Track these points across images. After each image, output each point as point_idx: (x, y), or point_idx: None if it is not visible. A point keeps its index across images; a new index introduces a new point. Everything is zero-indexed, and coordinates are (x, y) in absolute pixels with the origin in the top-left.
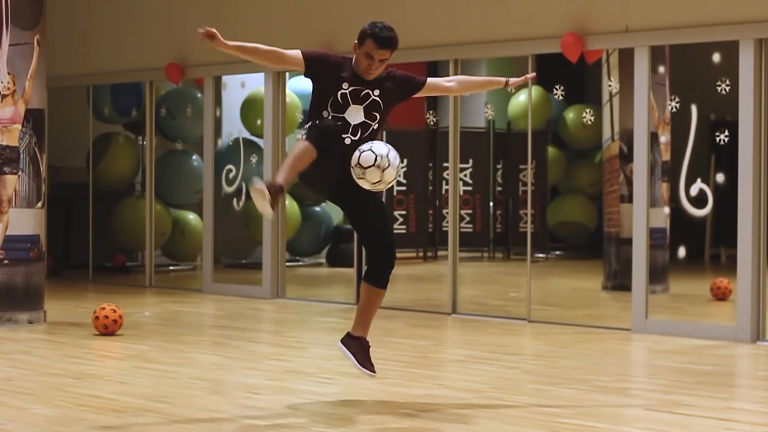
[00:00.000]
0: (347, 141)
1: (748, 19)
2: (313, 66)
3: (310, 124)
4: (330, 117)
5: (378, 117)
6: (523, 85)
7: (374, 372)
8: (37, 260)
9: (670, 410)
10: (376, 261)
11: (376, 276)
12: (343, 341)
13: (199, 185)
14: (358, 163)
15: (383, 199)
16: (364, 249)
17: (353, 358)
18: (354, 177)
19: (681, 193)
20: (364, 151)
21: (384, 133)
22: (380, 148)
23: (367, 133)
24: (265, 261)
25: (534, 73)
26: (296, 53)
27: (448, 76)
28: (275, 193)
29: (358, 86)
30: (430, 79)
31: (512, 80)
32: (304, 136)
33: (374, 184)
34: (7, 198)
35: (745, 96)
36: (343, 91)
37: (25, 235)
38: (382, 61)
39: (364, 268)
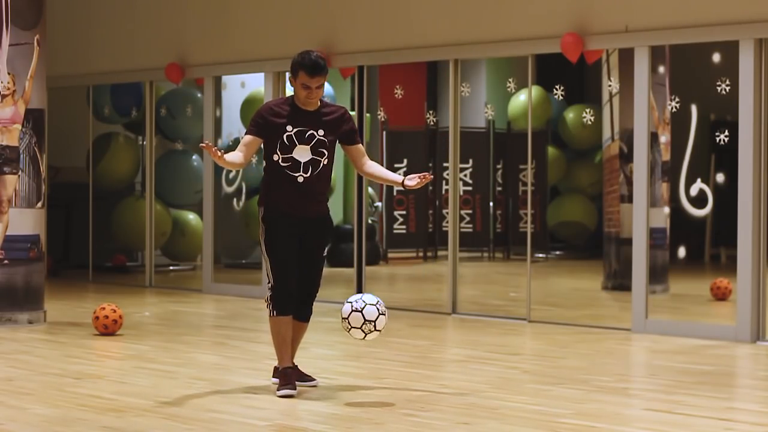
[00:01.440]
0: (300, 179)
1: (748, 19)
2: (263, 131)
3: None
4: (280, 159)
5: (326, 153)
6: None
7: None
8: (37, 260)
9: (670, 410)
10: (302, 298)
11: (302, 312)
12: (275, 376)
13: (199, 185)
14: (347, 319)
15: (325, 254)
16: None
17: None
18: (356, 325)
19: (681, 193)
20: (354, 311)
21: (384, 133)
22: (371, 313)
23: (318, 170)
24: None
25: (431, 176)
26: (249, 139)
27: (447, 76)
28: (291, 374)
29: (302, 127)
30: (360, 146)
31: (408, 183)
32: (270, 307)
33: (358, 336)
34: (7, 198)
35: (745, 96)
36: (288, 133)
37: (25, 235)
38: (319, 87)
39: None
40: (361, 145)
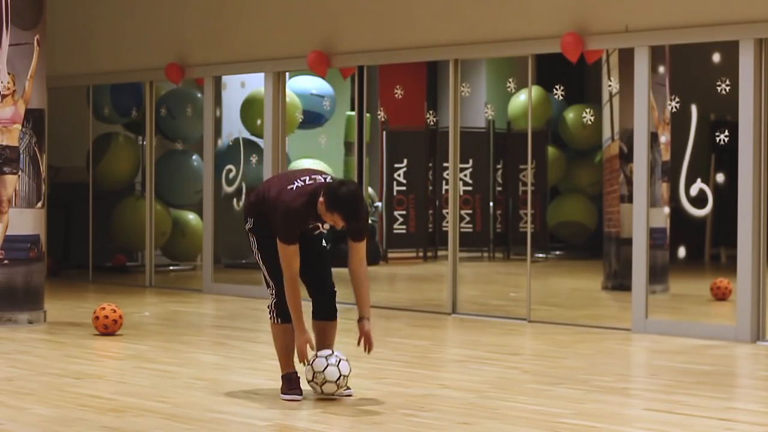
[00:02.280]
0: None
1: (748, 19)
2: (297, 236)
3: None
4: None
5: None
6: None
7: (350, 388)
8: (37, 260)
9: (670, 410)
10: (316, 299)
11: (322, 311)
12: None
13: (199, 185)
14: (323, 372)
15: (325, 244)
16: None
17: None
18: (308, 378)
19: (681, 193)
20: (330, 365)
21: (384, 133)
22: (345, 367)
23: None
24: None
25: (370, 348)
26: (289, 250)
27: (447, 76)
28: (296, 380)
29: (313, 224)
30: (361, 245)
31: (359, 325)
32: (273, 314)
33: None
34: (7, 198)
35: (745, 96)
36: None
37: (25, 235)
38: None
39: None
40: (364, 243)
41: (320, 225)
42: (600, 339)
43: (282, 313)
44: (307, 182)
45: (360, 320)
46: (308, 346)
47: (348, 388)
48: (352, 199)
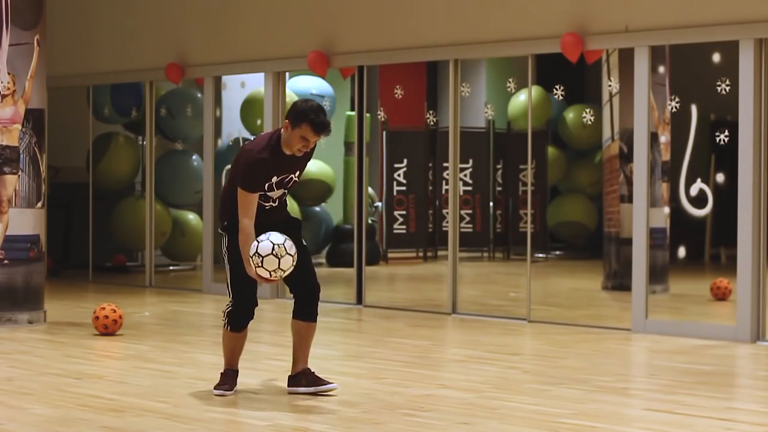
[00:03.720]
0: (267, 207)
1: (748, 19)
2: (259, 186)
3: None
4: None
5: (294, 183)
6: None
7: (333, 382)
8: (37, 260)
9: (670, 410)
10: (301, 299)
11: (304, 312)
12: (290, 385)
13: (199, 185)
14: (257, 252)
15: (304, 243)
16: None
17: (309, 388)
18: (253, 266)
19: (681, 193)
20: (261, 242)
21: (384, 133)
22: (277, 237)
23: (285, 196)
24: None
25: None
26: (248, 197)
27: (447, 76)
28: (232, 376)
29: (284, 174)
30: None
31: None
32: (225, 322)
33: (272, 272)
34: (7, 198)
35: (745, 96)
36: (270, 183)
37: (25, 235)
38: (315, 143)
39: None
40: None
41: (293, 173)
42: (600, 339)
43: (233, 322)
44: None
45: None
46: (257, 276)
47: (286, 256)
48: (315, 107)
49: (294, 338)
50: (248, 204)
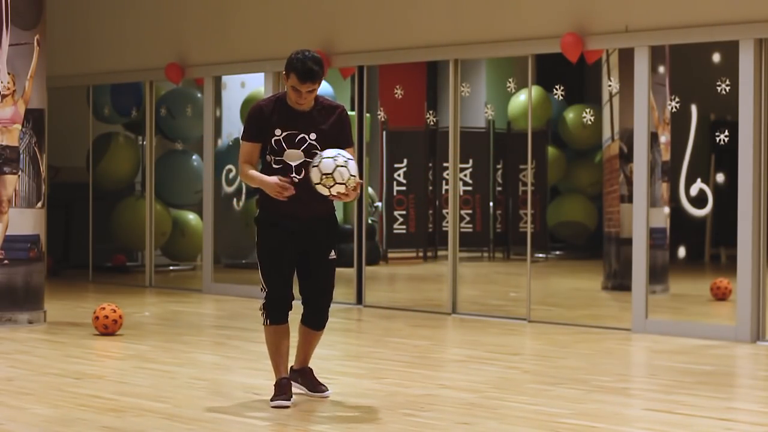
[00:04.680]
0: (295, 180)
1: (748, 19)
2: (257, 134)
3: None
4: (272, 161)
5: (319, 153)
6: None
7: (328, 389)
8: (37, 260)
9: (670, 410)
10: (310, 307)
11: (311, 320)
12: (290, 378)
13: (199, 185)
14: (321, 173)
15: (333, 256)
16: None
17: (303, 388)
18: (315, 181)
19: (681, 193)
20: (318, 163)
21: (384, 133)
22: (327, 152)
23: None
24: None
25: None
26: (249, 147)
27: (447, 76)
28: (286, 385)
29: (292, 130)
30: (350, 149)
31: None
32: (264, 315)
33: (346, 181)
34: (7, 198)
35: (745, 96)
36: (276, 137)
37: (25, 235)
38: (310, 92)
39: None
40: (351, 149)
41: (305, 132)
42: (600, 339)
43: (272, 313)
44: None
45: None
46: (278, 180)
47: (329, 191)
48: (303, 56)
49: (299, 339)
50: (246, 153)
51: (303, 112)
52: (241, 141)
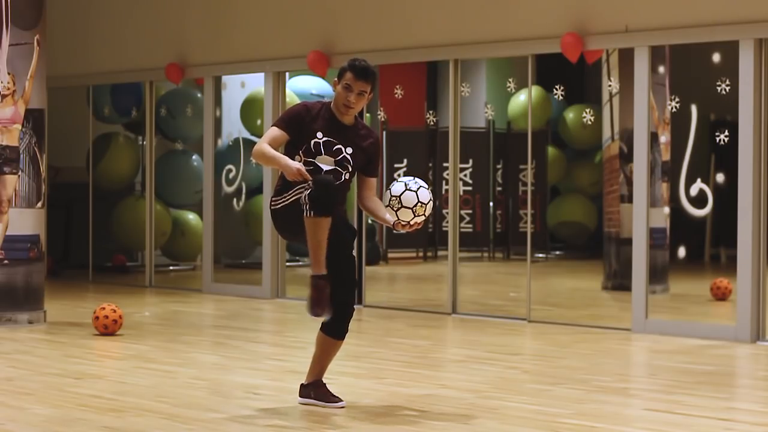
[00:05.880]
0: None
1: (748, 19)
2: (294, 130)
3: (297, 188)
4: (302, 161)
5: (349, 169)
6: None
7: (341, 400)
8: (37, 260)
9: (670, 410)
10: (333, 313)
11: (334, 327)
12: (301, 395)
13: (199, 185)
14: (392, 195)
15: (354, 253)
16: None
17: (318, 401)
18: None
19: (681, 193)
20: (422, 187)
21: (384, 133)
22: (425, 195)
23: (339, 181)
24: (265, 261)
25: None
26: (277, 133)
27: (447, 76)
28: (323, 287)
29: (332, 138)
30: (374, 180)
31: (396, 227)
32: (307, 207)
33: (414, 208)
34: (7, 198)
35: (745, 96)
36: (316, 140)
37: (25, 235)
38: (361, 94)
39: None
40: (375, 179)
41: (344, 145)
42: (600, 339)
43: (316, 205)
44: None
45: (395, 224)
46: (301, 167)
47: (425, 215)
48: (359, 59)
49: (316, 349)
50: (271, 137)
51: (346, 125)
52: (272, 127)
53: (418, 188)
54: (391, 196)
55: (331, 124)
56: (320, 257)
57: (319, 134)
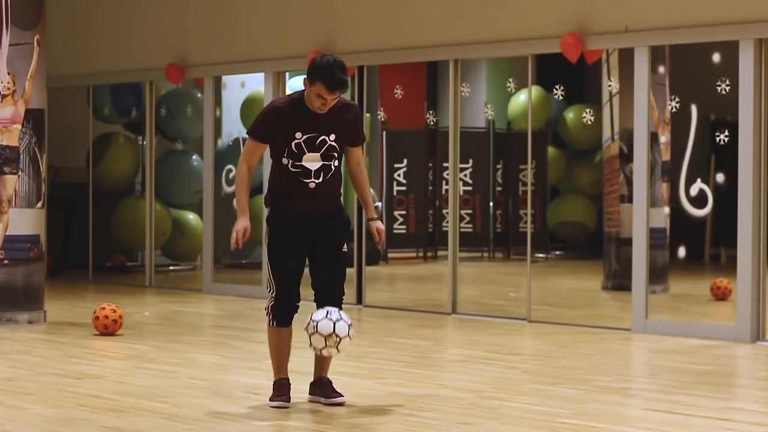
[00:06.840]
0: (311, 185)
1: (748, 19)
2: (269, 137)
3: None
4: (289, 164)
5: (336, 156)
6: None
7: (341, 396)
8: (37, 260)
9: (670, 410)
10: (325, 301)
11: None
12: (310, 393)
13: (199, 185)
14: (312, 322)
15: (344, 249)
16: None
17: (321, 398)
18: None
19: (681, 193)
20: (342, 320)
21: (384, 133)
22: (342, 329)
23: (330, 174)
24: (265, 261)
25: (380, 244)
26: (253, 146)
27: (447, 76)
28: (286, 385)
29: (312, 133)
30: (360, 150)
31: (371, 223)
32: (270, 317)
33: (326, 337)
34: (7, 198)
35: (745, 96)
36: (296, 141)
37: (25, 235)
38: (334, 99)
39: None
40: (362, 148)
41: (325, 134)
42: (600, 339)
43: (278, 316)
44: None
45: (371, 220)
46: (244, 232)
47: (337, 349)
48: (330, 63)
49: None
50: (251, 151)
51: (322, 113)
52: (247, 138)
53: (337, 320)
54: (311, 320)
55: (309, 118)
56: (280, 364)
57: (298, 134)
